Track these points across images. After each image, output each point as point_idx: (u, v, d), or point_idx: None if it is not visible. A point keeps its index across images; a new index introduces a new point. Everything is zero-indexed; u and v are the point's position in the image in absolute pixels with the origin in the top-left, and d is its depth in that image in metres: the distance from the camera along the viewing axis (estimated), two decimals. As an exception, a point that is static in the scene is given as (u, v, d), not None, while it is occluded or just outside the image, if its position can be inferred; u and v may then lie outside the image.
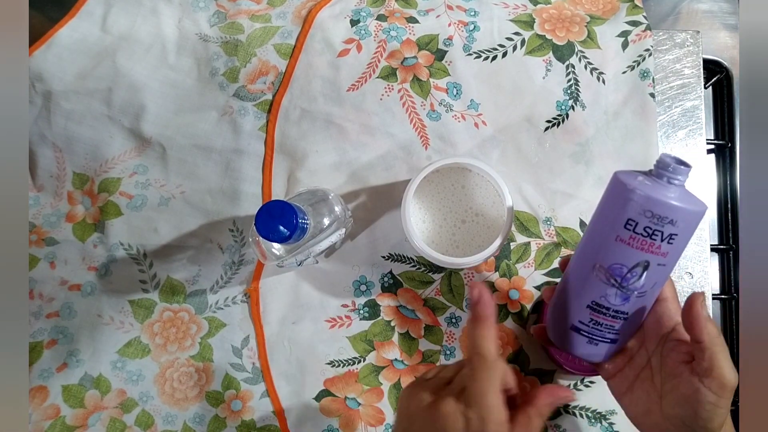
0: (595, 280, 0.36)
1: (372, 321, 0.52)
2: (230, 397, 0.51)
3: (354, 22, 0.54)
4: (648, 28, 0.54)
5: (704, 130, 0.54)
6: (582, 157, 0.53)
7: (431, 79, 0.53)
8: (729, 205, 0.56)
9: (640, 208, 0.34)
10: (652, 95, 0.53)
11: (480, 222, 0.49)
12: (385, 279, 0.52)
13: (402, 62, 0.53)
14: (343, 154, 0.53)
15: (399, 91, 0.53)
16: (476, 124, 0.53)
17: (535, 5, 0.56)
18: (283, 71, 0.54)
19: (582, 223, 0.52)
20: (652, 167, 0.35)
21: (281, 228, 0.38)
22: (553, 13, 0.55)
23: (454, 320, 0.51)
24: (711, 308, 0.52)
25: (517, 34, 0.54)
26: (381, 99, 0.53)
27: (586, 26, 0.54)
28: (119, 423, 0.51)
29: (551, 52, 0.53)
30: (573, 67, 0.53)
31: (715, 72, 0.57)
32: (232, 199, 0.53)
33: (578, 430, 0.50)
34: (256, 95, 0.54)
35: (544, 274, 0.51)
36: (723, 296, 0.55)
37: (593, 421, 0.50)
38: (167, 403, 0.51)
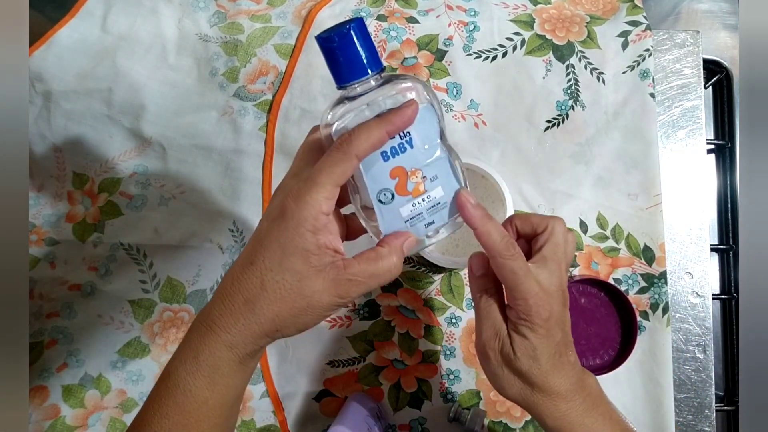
0: None
1: (372, 321, 0.52)
2: (230, 397, 0.51)
3: (354, 22, 0.54)
4: (648, 28, 0.54)
5: (704, 130, 0.54)
6: (582, 157, 0.53)
7: (431, 79, 0.53)
8: (729, 205, 0.56)
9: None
10: (652, 95, 0.53)
11: (480, 222, 0.49)
12: (385, 279, 0.52)
13: (402, 62, 0.53)
14: (343, 154, 0.53)
15: (399, 91, 0.53)
16: (476, 124, 0.53)
17: (535, 5, 0.56)
18: (283, 71, 0.54)
19: (582, 223, 0.52)
20: None
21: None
22: (553, 13, 0.55)
23: (454, 320, 0.51)
24: (711, 308, 0.52)
25: (517, 34, 0.54)
26: (381, 99, 0.53)
27: (586, 26, 0.54)
28: (119, 423, 0.51)
29: (551, 52, 0.53)
30: (573, 67, 0.53)
31: (715, 72, 0.57)
32: (232, 199, 0.53)
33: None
34: (256, 95, 0.54)
35: (544, 274, 0.51)
36: (723, 296, 0.55)
37: (593, 421, 0.50)
38: (167, 403, 0.51)
